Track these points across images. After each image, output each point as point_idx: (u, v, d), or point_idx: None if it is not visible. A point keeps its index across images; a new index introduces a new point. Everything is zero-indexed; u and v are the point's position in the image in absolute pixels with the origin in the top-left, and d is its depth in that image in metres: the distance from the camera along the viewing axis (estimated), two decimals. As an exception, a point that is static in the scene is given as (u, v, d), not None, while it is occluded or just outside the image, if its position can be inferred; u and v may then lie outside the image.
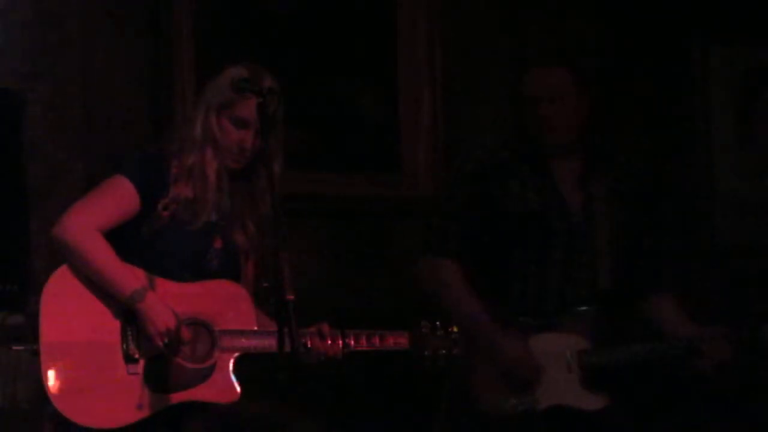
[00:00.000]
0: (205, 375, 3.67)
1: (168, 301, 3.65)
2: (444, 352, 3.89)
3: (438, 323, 3.90)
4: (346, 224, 5.36)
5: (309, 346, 3.74)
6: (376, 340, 3.85)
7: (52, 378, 3.56)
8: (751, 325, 4.14)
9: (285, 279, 3.32)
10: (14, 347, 3.77)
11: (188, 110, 3.81)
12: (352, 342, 3.81)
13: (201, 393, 3.67)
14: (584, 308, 4.17)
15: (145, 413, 3.61)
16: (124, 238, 3.69)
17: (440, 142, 5.52)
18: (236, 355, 3.70)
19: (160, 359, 3.63)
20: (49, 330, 3.58)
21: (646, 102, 5.78)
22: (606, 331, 4.17)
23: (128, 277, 3.63)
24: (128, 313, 3.64)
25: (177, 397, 3.64)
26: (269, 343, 3.69)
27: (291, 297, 3.32)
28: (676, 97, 5.83)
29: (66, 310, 3.61)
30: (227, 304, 3.73)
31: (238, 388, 3.69)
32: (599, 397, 4.12)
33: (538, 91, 4.18)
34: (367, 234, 5.35)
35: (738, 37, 5.79)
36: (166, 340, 3.61)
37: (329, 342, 3.77)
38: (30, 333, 3.71)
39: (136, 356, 3.63)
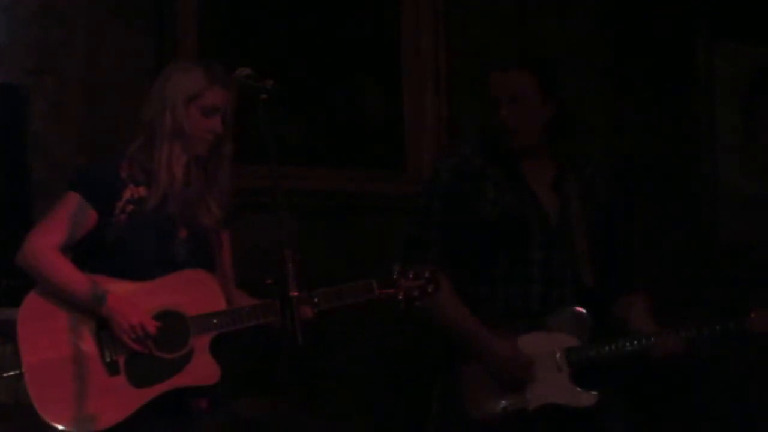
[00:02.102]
0: (183, 362, 3.77)
1: (134, 300, 3.75)
2: (417, 293, 3.90)
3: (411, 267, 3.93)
4: (349, 221, 5.36)
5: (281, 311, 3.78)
6: (345, 295, 3.89)
7: (40, 397, 3.69)
8: (713, 323, 4.16)
9: (289, 276, 3.36)
10: (4, 374, 3.85)
11: (141, 112, 3.89)
12: (321, 303, 3.84)
13: (182, 379, 3.76)
14: (569, 307, 4.18)
15: (132, 408, 3.71)
16: (90, 249, 3.81)
17: (444, 139, 5.53)
18: (211, 337, 3.78)
19: (138, 356, 3.74)
20: (28, 353, 3.72)
21: (650, 101, 5.78)
22: (592, 328, 4.19)
23: (88, 286, 3.74)
24: (101, 320, 3.75)
25: (160, 388, 3.74)
26: (241, 320, 3.79)
27: (295, 293, 3.35)
28: (680, 95, 5.83)
29: (42, 330, 3.74)
30: (194, 290, 3.82)
31: (219, 369, 3.78)
32: (590, 394, 4.14)
33: (499, 93, 4.19)
34: (370, 231, 5.35)
35: (743, 35, 5.79)
36: (133, 336, 3.71)
37: (299, 306, 3.81)
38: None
39: (114, 358, 3.74)
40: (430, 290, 3.92)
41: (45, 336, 3.74)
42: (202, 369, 3.78)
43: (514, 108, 4.16)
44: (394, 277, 3.90)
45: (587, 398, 4.13)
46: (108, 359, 3.74)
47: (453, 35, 5.55)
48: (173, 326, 3.77)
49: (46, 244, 3.77)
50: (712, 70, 5.82)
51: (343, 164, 5.42)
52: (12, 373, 3.75)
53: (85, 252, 3.82)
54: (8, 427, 4.20)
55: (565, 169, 4.26)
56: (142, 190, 3.84)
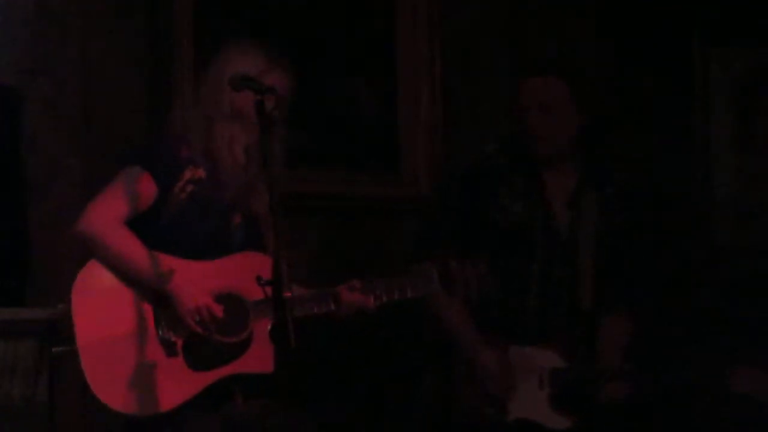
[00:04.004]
0: (243, 347, 3.70)
1: (196, 281, 3.66)
2: (476, 283, 3.91)
3: (465, 259, 3.93)
4: (345, 223, 5.36)
5: (341, 299, 3.78)
6: (406, 287, 3.88)
7: (94, 376, 3.57)
8: (658, 368, 4.16)
9: (283, 277, 3.35)
10: (54, 349, 3.75)
11: (199, 91, 3.87)
12: (383, 294, 3.85)
13: (242, 365, 3.70)
14: (564, 325, 4.17)
15: (190, 393, 3.63)
16: (147, 227, 3.72)
17: (440, 141, 5.53)
18: (272, 323, 3.69)
19: (198, 338, 3.65)
20: (83, 329, 3.60)
21: (645, 105, 5.78)
22: (584, 350, 4.18)
23: (153, 263, 3.64)
24: (159, 299, 3.66)
25: (219, 373, 3.67)
26: (302, 307, 3.73)
27: (288, 294, 3.35)
28: (675, 99, 5.82)
29: (97, 306, 3.63)
30: (254, 274, 3.70)
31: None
32: (565, 418, 4.12)
33: (530, 100, 4.17)
34: (366, 233, 5.35)
35: (738, 39, 5.79)
36: (197, 318, 3.63)
37: (360, 295, 3.81)
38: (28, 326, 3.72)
39: (173, 339, 3.65)
40: (487, 282, 3.92)
41: (100, 312, 3.61)
42: (262, 355, 3.70)
43: (543, 117, 4.14)
44: (452, 268, 3.89)
45: (561, 422, 4.12)
46: (166, 340, 3.64)
47: (449, 40, 5.55)
48: (233, 310, 3.69)
49: (110, 216, 3.67)
50: (707, 74, 5.82)
51: (338, 167, 5.42)
52: (63, 348, 3.63)
53: (139, 230, 3.71)
54: (22, 424, 4.18)
55: (586, 184, 4.23)
56: (201, 172, 3.78)
